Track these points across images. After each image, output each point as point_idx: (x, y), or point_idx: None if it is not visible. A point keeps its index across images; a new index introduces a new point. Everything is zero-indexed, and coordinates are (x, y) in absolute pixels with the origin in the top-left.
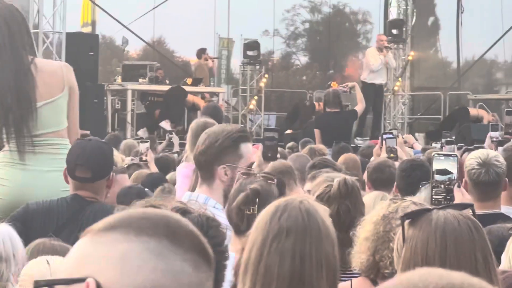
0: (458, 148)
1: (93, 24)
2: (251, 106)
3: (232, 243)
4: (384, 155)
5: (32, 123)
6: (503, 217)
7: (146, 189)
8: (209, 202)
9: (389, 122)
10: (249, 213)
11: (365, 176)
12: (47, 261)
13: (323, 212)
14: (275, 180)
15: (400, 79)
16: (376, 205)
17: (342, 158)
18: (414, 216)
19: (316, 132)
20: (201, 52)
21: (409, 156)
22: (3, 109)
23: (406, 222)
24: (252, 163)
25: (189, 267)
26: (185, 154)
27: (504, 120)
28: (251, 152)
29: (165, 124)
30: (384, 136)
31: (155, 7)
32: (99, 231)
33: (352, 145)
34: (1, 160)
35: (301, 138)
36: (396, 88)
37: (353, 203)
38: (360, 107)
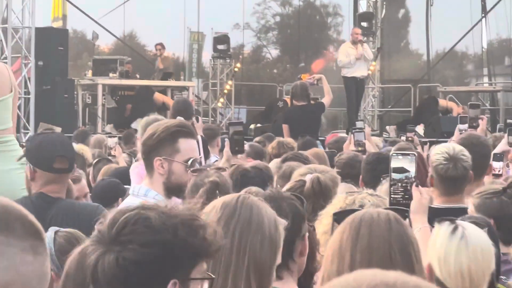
0: (424, 143)
1: (64, 18)
2: (222, 100)
3: None
4: (352, 148)
5: None
6: (466, 212)
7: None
8: (150, 194)
9: (359, 114)
10: None
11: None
12: None
13: (266, 209)
14: (226, 169)
15: (370, 71)
16: None
17: (308, 153)
18: (343, 215)
19: (285, 127)
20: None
21: (376, 148)
22: None
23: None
24: (191, 159)
25: (29, 254)
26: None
27: (468, 113)
28: (192, 148)
29: (135, 125)
30: (354, 130)
31: (125, 1)
32: None
33: (320, 138)
34: None
35: (271, 132)
36: (370, 71)
37: (326, 201)
38: (327, 99)
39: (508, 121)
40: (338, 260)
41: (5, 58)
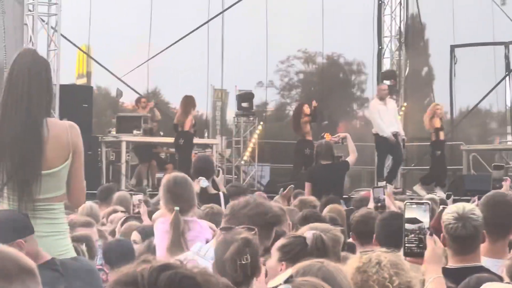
0: (447, 198)
1: (88, 75)
2: (245, 158)
3: None
4: (371, 205)
5: (36, 189)
6: (483, 270)
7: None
8: None
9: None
10: (243, 262)
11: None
12: None
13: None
14: (256, 230)
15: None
16: None
17: (327, 208)
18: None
19: (307, 185)
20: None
21: (397, 207)
22: (12, 167)
23: None
24: None
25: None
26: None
27: (492, 174)
28: None
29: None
30: (373, 187)
31: (149, 59)
32: None
33: (344, 196)
34: None
35: (295, 189)
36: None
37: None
38: (352, 158)
39: None
40: None
41: None
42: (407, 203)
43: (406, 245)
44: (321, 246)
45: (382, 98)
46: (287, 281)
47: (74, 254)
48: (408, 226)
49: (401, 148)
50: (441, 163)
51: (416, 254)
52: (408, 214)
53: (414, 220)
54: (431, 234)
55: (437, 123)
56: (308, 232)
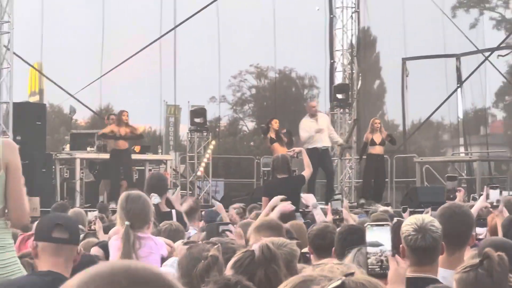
0: (403, 211)
1: (41, 93)
2: (199, 173)
3: None
4: (330, 217)
5: None
6: (435, 282)
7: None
8: None
9: (336, 186)
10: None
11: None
12: None
13: None
14: (219, 245)
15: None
16: None
17: (288, 224)
18: None
19: (264, 200)
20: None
21: (352, 218)
22: None
23: None
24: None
25: None
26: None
27: (446, 185)
28: None
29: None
30: (332, 199)
31: (102, 76)
32: None
33: (300, 210)
34: None
35: (250, 203)
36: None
37: (278, 266)
38: (307, 172)
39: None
40: None
41: None
42: (368, 225)
43: (369, 266)
44: (268, 253)
45: (313, 115)
46: (347, 275)
47: (15, 269)
48: (370, 249)
49: (331, 161)
50: (370, 176)
51: (379, 275)
52: (369, 237)
53: (375, 243)
54: (393, 255)
55: (376, 137)
56: (255, 244)
